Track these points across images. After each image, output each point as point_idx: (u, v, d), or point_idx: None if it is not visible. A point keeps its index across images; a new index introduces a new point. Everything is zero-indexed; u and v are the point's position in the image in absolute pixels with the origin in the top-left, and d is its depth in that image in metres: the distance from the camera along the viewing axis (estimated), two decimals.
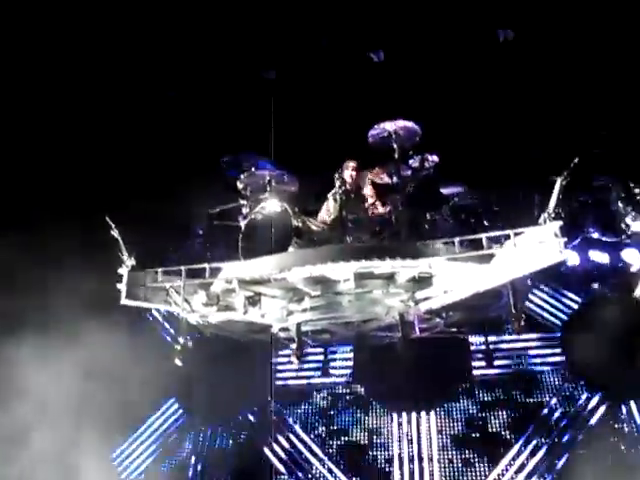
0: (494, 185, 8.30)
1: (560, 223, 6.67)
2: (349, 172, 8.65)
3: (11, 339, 8.74)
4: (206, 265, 7.22)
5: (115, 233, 7.31)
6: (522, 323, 6.98)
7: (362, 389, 10.91)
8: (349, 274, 7.16)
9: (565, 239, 6.64)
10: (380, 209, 8.47)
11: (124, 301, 7.24)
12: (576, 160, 6.68)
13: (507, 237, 6.87)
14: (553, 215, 6.77)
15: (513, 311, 7.12)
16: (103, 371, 8.89)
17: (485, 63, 9.32)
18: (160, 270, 7.34)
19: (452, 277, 7.34)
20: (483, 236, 6.86)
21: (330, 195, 8.12)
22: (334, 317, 7.81)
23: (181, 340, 7.47)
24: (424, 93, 9.42)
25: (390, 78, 9.42)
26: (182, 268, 7.26)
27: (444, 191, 8.67)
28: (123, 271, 7.30)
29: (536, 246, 6.73)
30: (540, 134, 9.12)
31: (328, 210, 8.29)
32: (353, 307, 7.65)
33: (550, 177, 6.73)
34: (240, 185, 8.37)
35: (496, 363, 10.42)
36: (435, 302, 7.61)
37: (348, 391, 10.84)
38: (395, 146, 8.19)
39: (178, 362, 7.38)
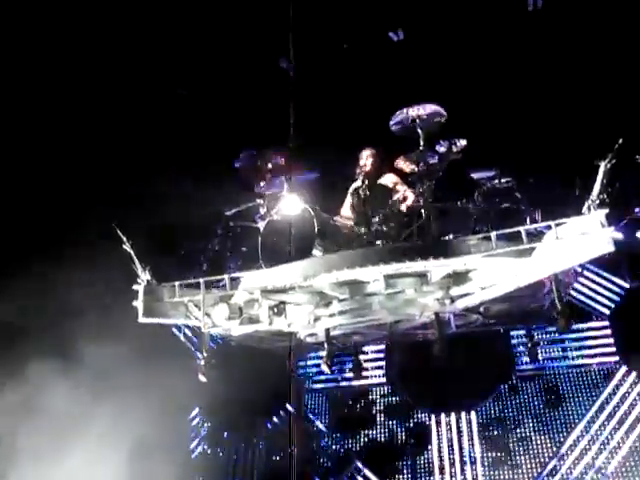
0: (529, 169, 7.83)
1: (606, 211, 6.27)
2: (366, 161, 8.31)
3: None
4: (225, 276, 6.96)
5: (127, 246, 7.03)
6: (569, 320, 6.59)
7: (397, 390, 10.63)
8: (378, 275, 6.85)
9: (612, 228, 6.24)
10: (408, 200, 8.12)
11: (142, 319, 7.00)
12: (620, 141, 6.26)
13: (548, 228, 6.47)
14: (598, 202, 6.37)
15: (558, 306, 6.78)
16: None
17: (513, 33, 8.81)
18: (177, 284, 7.11)
19: (490, 272, 7.04)
20: (522, 229, 6.50)
21: (352, 190, 7.77)
22: (365, 320, 7.52)
23: (204, 354, 7.20)
24: (447, 71, 8.96)
25: (411, 57, 8.95)
26: (201, 280, 6.99)
27: (474, 176, 8.30)
28: (138, 287, 7.03)
29: (580, 237, 6.32)
30: (580, 110, 8.60)
31: (352, 207, 7.95)
32: (384, 309, 7.40)
33: (594, 161, 6.29)
34: (255, 182, 8.06)
35: (541, 357, 10.02)
36: (473, 299, 7.32)
37: (382, 392, 10.57)
38: (420, 132, 7.79)
39: (202, 378, 7.17)
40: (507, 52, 9.01)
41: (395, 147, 8.02)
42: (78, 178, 9.33)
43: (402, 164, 8.12)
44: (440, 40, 9.02)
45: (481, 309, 7.83)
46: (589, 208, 6.40)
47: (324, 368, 7.34)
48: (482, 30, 9.05)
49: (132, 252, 7.13)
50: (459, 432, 10.20)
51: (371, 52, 9.30)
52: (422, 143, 7.83)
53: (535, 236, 6.65)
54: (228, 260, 7.81)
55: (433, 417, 10.30)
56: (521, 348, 10.22)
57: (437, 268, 6.90)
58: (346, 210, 8.32)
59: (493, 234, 6.54)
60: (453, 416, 10.30)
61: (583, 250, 6.43)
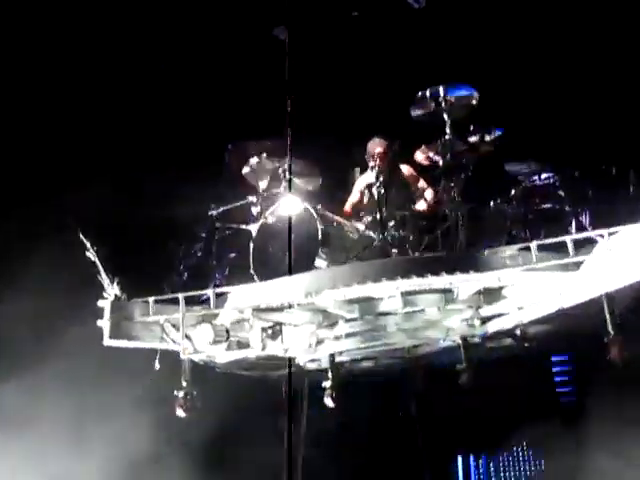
0: (575, 163, 7.69)
1: None
2: (376, 152, 8.16)
3: None
4: (210, 291, 6.84)
5: (91, 254, 6.93)
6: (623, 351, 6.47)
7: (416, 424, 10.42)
8: (395, 292, 6.74)
9: None
10: (429, 199, 8.02)
11: (107, 342, 6.89)
12: None
13: (600, 237, 6.36)
14: None
15: (611, 332, 6.65)
16: None
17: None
18: (152, 299, 6.97)
19: (529, 289, 6.92)
20: (568, 238, 6.37)
21: (362, 188, 7.66)
22: (377, 344, 7.42)
23: (184, 385, 7.11)
24: (478, 46, 8.82)
25: (434, 29, 8.81)
26: (179, 296, 6.87)
27: (510, 170, 8.20)
28: (104, 303, 6.93)
29: (637, 250, 6.20)
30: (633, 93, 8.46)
31: (363, 206, 7.84)
32: (401, 331, 7.30)
33: None
34: (247, 178, 7.93)
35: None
36: (507, 321, 7.22)
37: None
38: (446, 117, 7.68)
39: (180, 412, 7.06)
40: (549, 27, 8.83)
41: (413, 137, 7.87)
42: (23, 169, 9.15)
43: (421, 156, 8.02)
44: (471, 9, 8.81)
45: (517, 331, 7.68)
46: None
47: (327, 402, 7.21)
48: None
49: (97, 261, 6.99)
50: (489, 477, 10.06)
51: (384, 21, 9.09)
52: (449, 131, 7.69)
53: (584, 246, 6.49)
54: (214, 271, 7.66)
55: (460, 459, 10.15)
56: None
57: (465, 284, 6.77)
58: (353, 208, 8.21)
59: (533, 244, 6.43)
60: (483, 459, 10.15)
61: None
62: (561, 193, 7.75)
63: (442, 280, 6.58)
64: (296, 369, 7.83)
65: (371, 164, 7.51)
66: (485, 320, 7.24)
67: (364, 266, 6.71)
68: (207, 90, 9.46)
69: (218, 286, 7.22)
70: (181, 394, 7.15)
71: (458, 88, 7.76)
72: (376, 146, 8.18)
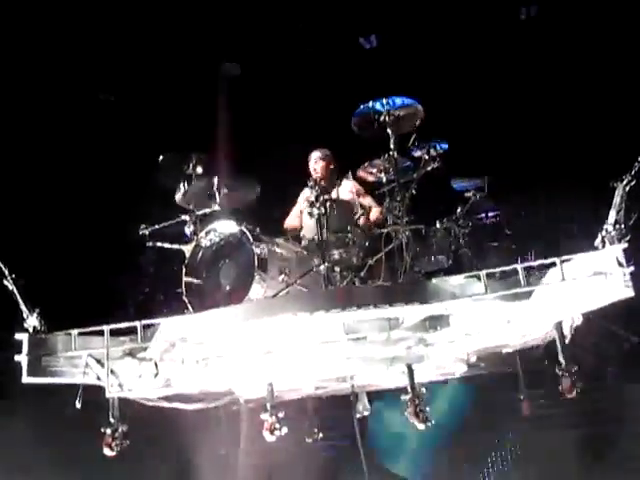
0: (525, 184, 7.32)
1: (624, 246, 5.75)
2: (316, 166, 7.95)
3: None
4: (137, 323, 6.24)
5: (9, 283, 6.29)
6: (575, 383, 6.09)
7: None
8: (336, 322, 6.25)
9: (632, 268, 5.73)
10: (372, 216, 7.55)
11: (26, 379, 6.27)
12: None
13: (552, 265, 5.95)
14: (614, 234, 5.85)
15: (562, 361, 6.28)
16: None
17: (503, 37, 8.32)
18: (76, 332, 6.36)
19: (477, 315, 6.47)
20: (519, 267, 5.93)
21: (302, 206, 7.15)
22: (318, 375, 6.92)
23: (112, 421, 6.52)
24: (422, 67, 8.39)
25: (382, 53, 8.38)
26: (104, 328, 6.27)
27: (456, 185, 7.79)
28: (22, 336, 6.30)
29: (591, 278, 5.81)
30: (581, 118, 8.12)
31: (301, 221, 7.34)
32: (342, 361, 6.76)
33: (610, 182, 5.79)
34: (179, 195, 7.35)
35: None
36: (454, 349, 6.75)
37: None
38: (390, 132, 7.20)
39: (108, 451, 6.47)
40: (492, 48, 8.47)
41: (356, 153, 7.38)
42: None
43: (364, 173, 7.54)
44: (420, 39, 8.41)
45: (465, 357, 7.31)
46: (603, 241, 5.87)
47: (266, 435, 6.67)
48: (466, 31, 8.48)
49: (15, 289, 6.35)
50: None
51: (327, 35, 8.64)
52: (392, 147, 7.22)
53: (533, 274, 6.08)
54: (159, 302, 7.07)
55: None
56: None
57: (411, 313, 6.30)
58: (293, 222, 7.73)
59: (483, 273, 5.96)
60: None
61: (595, 294, 5.94)
62: (507, 232, 7.35)
63: (386, 312, 6.06)
64: (235, 400, 7.28)
65: (310, 183, 6.97)
66: (429, 345, 6.72)
67: (302, 296, 6.28)
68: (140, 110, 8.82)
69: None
70: (108, 431, 6.53)
71: (401, 101, 7.26)
72: (313, 159, 7.97)
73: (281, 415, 6.67)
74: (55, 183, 8.43)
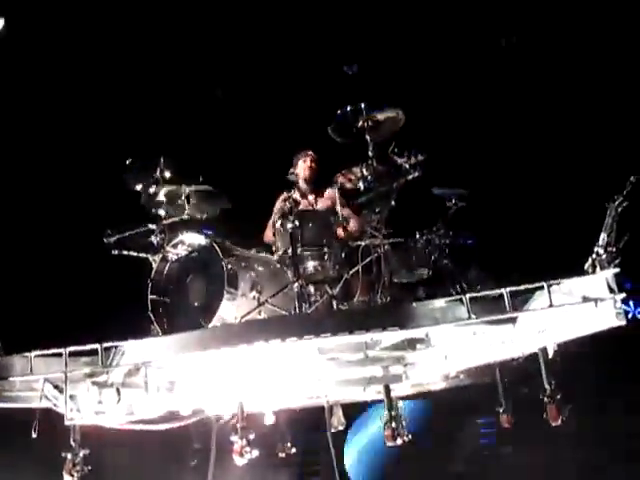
0: (509, 197, 6.85)
1: (616, 270, 5.29)
2: (312, 164, 7.53)
3: None
4: (97, 346, 5.70)
5: None
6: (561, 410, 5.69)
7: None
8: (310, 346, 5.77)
9: (623, 295, 5.29)
10: (350, 226, 7.04)
11: None
12: (633, 179, 5.32)
13: (539, 289, 5.48)
14: (605, 257, 5.40)
15: (546, 387, 5.87)
16: None
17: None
18: (33, 354, 5.82)
19: (459, 337, 6.01)
20: (504, 291, 5.48)
21: (276, 221, 6.64)
22: (290, 395, 6.46)
23: (73, 445, 6.02)
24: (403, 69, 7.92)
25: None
26: (62, 351, 5.73)
27: (438, 193, 7.28)
28: None
29: (580, 304, 5.36)
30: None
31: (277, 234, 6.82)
32: (316, 382, 6.32)
33: (605, 203, 5.34)
34: (146, 203, 6.79)
35: None
36: (432, 371, 6.30)
37: None
38: (368, 138, 6.68)
39: (68, 478, 5.97)
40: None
41: (335, 160, 6.88)
42: None
43: (342, 179, 7.02)
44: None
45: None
46: (594, 265, 5.41)
47: (236, 458, 6.18)
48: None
49: None
50: None
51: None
52: (371, 154, 6.70)
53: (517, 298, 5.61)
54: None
55: None
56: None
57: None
58: (271, 234, 7.22)
59: (466, 298, 5.49)
60: None
61: (584, 321, 5.53)
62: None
63: (363, 337, 5.58)
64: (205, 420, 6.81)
65: (283, 195, 6.46)
66: (408, 365, 6.26)
67: (273, 322, 5.83)
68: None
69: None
70: (69, 456, 6.03)
71: (381, 106, 6.73)
72: (311, 157, 7.63)
73: (251, 437, 6.19)
74: (10, 193, 7.82)
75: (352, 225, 7.00)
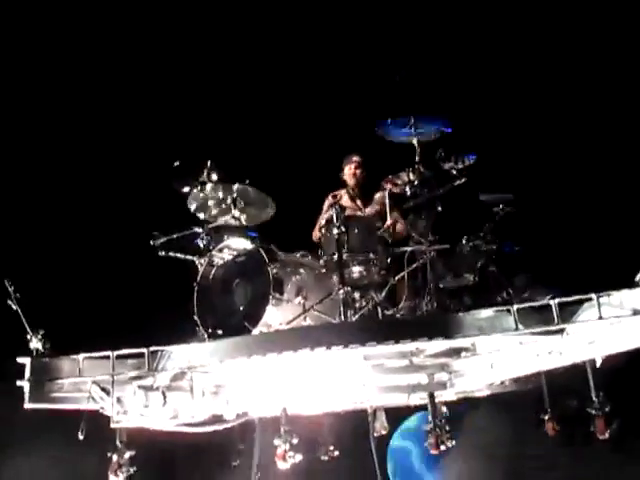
0: (557, 205, 6.69)
1: None
2: (357, 170, 7.55)
3: None
4: (144, 350, 5.72)
5: (13, 303, 5.80)
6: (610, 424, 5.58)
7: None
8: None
9: None
10: (397, 229, 6.98)
11: (28, 405, 5.80)
12: None
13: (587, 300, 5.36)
14: None
15: (594, 400, 5.76)
16: None
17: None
18: (82, 357, 5.86)
19: (504, 347, 5.91)
20: (553, 302, 5.33)
21: (322, 228, 6.59)
22: (334, 400, 6.45)
23: (119, 445, 6.05)
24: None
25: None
26: (110, 354, 5.76)
27: (485, 199, 7.15)
28: (24, 360, 5.81)
29: (630, 317, 5.23)
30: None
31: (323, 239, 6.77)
32: (360, 388, 6.26)
33: None
34: (192, 205, 6.78)
35: None
36: (478, 380, 6.20)
37: None
38: (416, 144, 6.61)
39: (114, 478, 6.01)
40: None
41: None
42: None
43: (389, 184, 6.94)
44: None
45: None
46: None
47: (279, 464, 6.17)
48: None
49: (19, 309, 5.86)
50: None
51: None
52: (418, 159, 6.62)
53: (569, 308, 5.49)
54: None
55: None
56: None
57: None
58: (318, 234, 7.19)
59: (514, 308, 5.38)
60: None
61: (634, 333, 5.35)
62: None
63: (407, 346, 5.52)
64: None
65: (329, 200, 6.41)
66: (454, 377, 6.19)
67: (315, 330, 5.80)
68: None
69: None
70: (115, 457, 6.07)
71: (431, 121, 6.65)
72: (358, 161, 7.62)
73: (295, 441, 6.18)
74: (59, 196, 7.87)
75: (399, 229, 6.93)
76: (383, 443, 8.27)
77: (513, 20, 8.22)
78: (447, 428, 5.95)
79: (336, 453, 7.68)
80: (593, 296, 5.35)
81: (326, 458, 7.65)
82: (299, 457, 6.14)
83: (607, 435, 5.74)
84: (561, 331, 5.52)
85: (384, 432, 7.60)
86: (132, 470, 6.13)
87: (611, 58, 8.19)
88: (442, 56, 8.10)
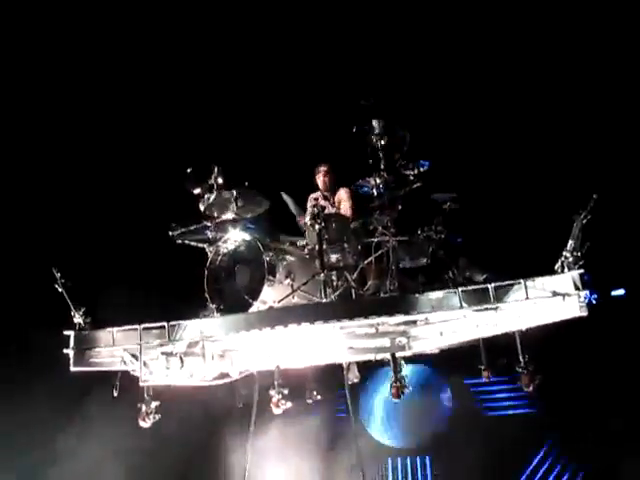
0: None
1: (580, 271, 5.11)
2: (325, 178, 7.25)
3: None
4: (165, 324, 5.63)
5: (58, 286, 5.67)
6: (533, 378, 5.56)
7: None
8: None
9: (587, 292, 5.11)
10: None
11: (73, 368, 5.71)
12: (595, 197, 5.11)
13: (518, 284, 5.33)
14: (572, 260, 5.21)
15: (521, 359, 5.75)
16: None
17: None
18: (115, 330, 5.76)
19: (452, 319, 5.88)
20: (490, 286, 5.32)
21: (306, 221, 6.46)
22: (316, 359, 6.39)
23: (146, 398, 6.00)
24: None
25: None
26: (138, 327, 5.67)
27: (436, 198, 7.04)
28: (69, 332, 5.71)
29: (550, 298, 5.20)
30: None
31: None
32: (337, 350, 6.23)
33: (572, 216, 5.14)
34: (203, 204, 6.62)
35: None
36: (430, 343, 6.19)
37: None
38: (381, 155, 6.47)
39: (143, 423, 5.95)
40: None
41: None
42: None
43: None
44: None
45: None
46: (562, 266, 5.23)
47: (274, 409, 6.16)
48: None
49: (64, 291, 5.74)
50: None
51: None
52: (383, 167, 6.48)
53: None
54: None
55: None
56: None
57: None
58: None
59: (459, 290, 5.34)
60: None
61: (553, 311, 5.37)
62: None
63: (375, 321, 5.48)
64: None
65: (310, 199, 6.29)
66: (410, 342, 6.16)
67: (301, 309, 5.72)
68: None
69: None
70: (143, 407, 6.01)
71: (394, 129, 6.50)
72: (324, 170, 7.29)
73: (286, 392, 6.17)
74: (100, 200, 7.69)
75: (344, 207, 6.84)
76: (356, 389, 8.17)
77: (460, 36, 7.94)
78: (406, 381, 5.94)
79: (319, 397, 7.61)
80: (522, 281, 5.33)
81: (310, 401, 7.60)
82: (289, 404, 6.11)
83: (531, 388, 5.71)
84: (496, 308, 5.50)
85: (356, 381, 7.56)
86: (157, 417, 6.05)
87: (540, 67, 8.00)
88: (403, 84, 7.84)
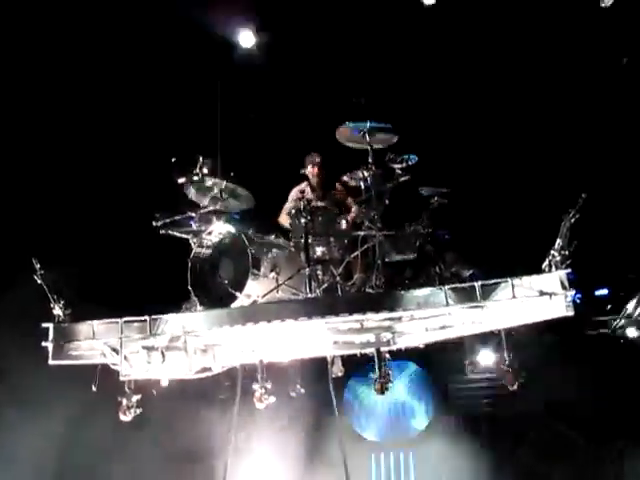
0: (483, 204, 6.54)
1: (567, 271, 5.06)
2: (316, 167, 6.99)
3: None
4: (146, 317, 5.53)
5: (38, 278, 5.55)
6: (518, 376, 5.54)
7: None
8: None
9: (573, 291, 5.07)
10: (353, 216, 6.80)
11: (51, 361, 5.60)
12: (584, 196, 5.05)
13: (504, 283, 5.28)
14: (559, 259, 5.16)
15: (506, 358, 5.71)
16: None
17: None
18: (96, 323, 5.65)
19: (437, 317, 5.81)
20: (476, 284, 5.27)
21: (291, 212, 6.37)
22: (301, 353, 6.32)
23: (127, 391, 5.89)
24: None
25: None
26: (119, 320, 5.56)
27: (424, 192, 6.97)
28: (48, 325, 5.59)
29: (537, 297, 5.15)
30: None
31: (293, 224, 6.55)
32: (321, 344, 6.15)
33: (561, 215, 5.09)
34: (189, 194, 6.50)
35: None
36: (415, 339, 6.12)
37: None
38: (369, 149, 6.38)
39: (123, 417, 5.85)
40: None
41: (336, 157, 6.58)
42: None
43: (347, 178, 6.73)
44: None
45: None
46: (550, 265, 5.18)
47: (257, 404, 6.09)
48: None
49: (44, 283, 5.62)
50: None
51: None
52: (371, 161, 6.38)
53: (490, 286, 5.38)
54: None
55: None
56: None
57: None
58: (284, 220, 6.94)
59: (445, 288, 5.26)
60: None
61: (539, 309, 5.31)
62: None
63: (361, 317, 5.40)
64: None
65: (295, 192, 6.18)
66: (395, 338, 6.09)
67: (287, 305, 5.60)
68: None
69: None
70: (124, 401, 5.91)
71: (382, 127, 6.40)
72: (316, 161, 7.15)
73: (269, 386, 6.09)
74: (81, 192, 7.54)
75: (352, 213, 6.77)
76: (339, 382, 8.12)
77: (447, 30, 7.84)
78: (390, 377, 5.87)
79: (302, 391, 7.56)
80: (508, 280, 5.27)
81: (294, 395, 7.54)
82: (273, 399, 6.05)
83: (515, 387, 5.67)
84: (482, 306, 5.44)
85: (340, 374, 7.51)
86: (138, 411, 5.96)
87: (529, 63, 7.92)
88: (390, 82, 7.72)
